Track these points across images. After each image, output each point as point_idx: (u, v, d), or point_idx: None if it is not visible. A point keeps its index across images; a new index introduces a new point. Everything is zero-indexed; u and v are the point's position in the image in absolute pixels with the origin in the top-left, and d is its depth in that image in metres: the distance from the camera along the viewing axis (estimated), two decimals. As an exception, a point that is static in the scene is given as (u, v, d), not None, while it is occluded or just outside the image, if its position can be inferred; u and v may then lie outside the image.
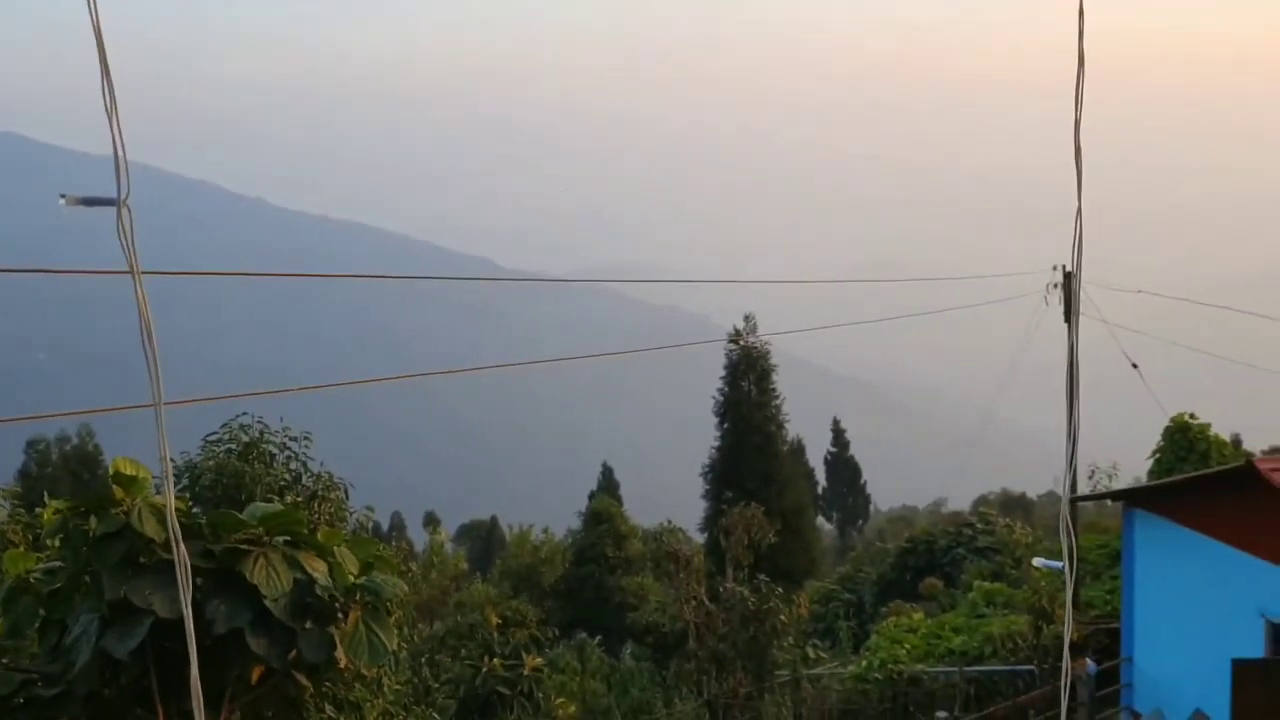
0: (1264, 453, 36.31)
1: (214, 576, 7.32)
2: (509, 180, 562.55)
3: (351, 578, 7.95)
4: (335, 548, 8.03)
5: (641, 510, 49.82)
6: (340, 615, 7.80)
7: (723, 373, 36.74)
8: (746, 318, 36.77)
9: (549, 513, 53.48)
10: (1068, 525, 3.19)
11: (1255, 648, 15.76)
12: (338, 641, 7.66)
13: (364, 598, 7.99)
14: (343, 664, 7.86)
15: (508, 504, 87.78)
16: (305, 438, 16.63)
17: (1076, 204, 2.98)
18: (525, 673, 18.50)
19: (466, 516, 70.87)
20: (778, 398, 37.12)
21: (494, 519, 63.62)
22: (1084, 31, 2.50)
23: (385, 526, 72.56)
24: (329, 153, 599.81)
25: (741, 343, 36.14)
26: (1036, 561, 26.04)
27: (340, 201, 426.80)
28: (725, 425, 36.64)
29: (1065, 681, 3.47)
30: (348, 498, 16.67)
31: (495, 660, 18.72)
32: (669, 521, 32.30)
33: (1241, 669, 15.03)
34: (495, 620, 20.84)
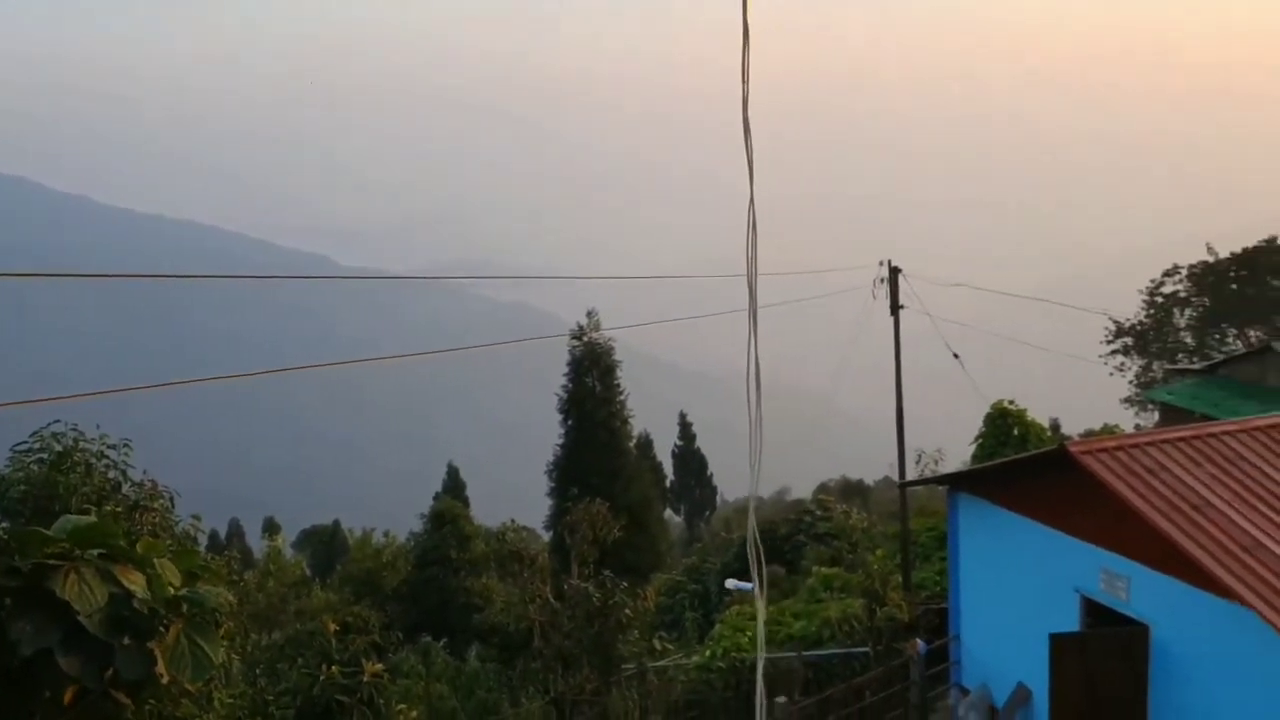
0: (1079, 436, 38.50)
1: (22, 595, 6.98)
2: (349, 177, 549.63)
3: (173, 590, 7.67)
4: (155, 559, 7.74)
5: (488, 510, 49.44)
6: (161, 629, 7.52)
7: (566, 369, 36.78)
8: (589, 314, 36.91)
9: (393, 516, 52.55)
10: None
11: (1071, 622, 16.65)
12: (158, 656, 7.38)
13: (187, 610, 7.73)
14: (165, 680, 7.58)
15: (351, 508, 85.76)
16: (125, 445, 15.88)
17: (749, 190, 3.07)
18: (365, 679, 18.12)
19: (308, 522, 69.00)
20: (622, 393, 37.38)
21: (336, 523, 62.11)
22: (748, 5, 2.54)
23: (223, 535, 69.98)
24: (163, 151, 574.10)
25: (585, 339, 36.25)
26: (729, 583, 26.97)
27: (174, 199, 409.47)
28: (570, 422, 36.70)
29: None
30: (173, 506, 16.00)
31: (334, 668, 18.28)
32: (513, 521, 32.20)
33: (1059, 642, 15.88)
34: (334, 627, 20.34)
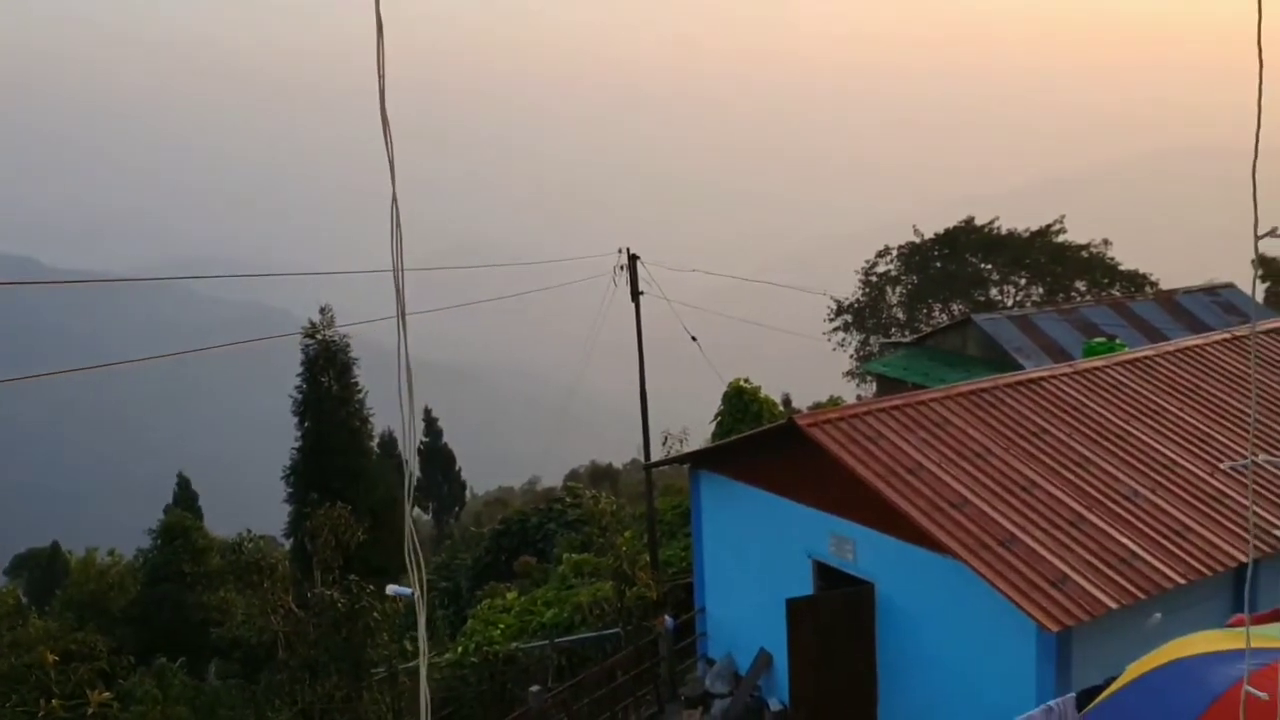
0: (808, 409, 40.55)
1: None
2: (57, 176, 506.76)
3: None
4: None
5: (223, 521, 46.97)
6: None
7: (300, 369, 35.36)
8: (323, 310, 35.60)
9: (121, 533, 49.10)
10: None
11: (805, 586, 17.52)
12: None
13: None
14: None
15: (72, 528, 79.50)
16: None
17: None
18: (90, 711, 16.84)
19: (22, 546, 63.40)
20: (361, 391, 36.30)
21: (55, 545, 57.40)
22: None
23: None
24: None
25: (319, 336, 34.95)
26: (390, 589, 27.30)
27: None
28: (306, 424, 35.29)
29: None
30: None
31: (54, 702, 16.89)
32: (249, 530, 30.68)
33: (794, 606, 16.68)
34: (53, 658, 18.78)
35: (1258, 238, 2.05)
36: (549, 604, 24.57)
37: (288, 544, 36.86)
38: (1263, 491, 16.12)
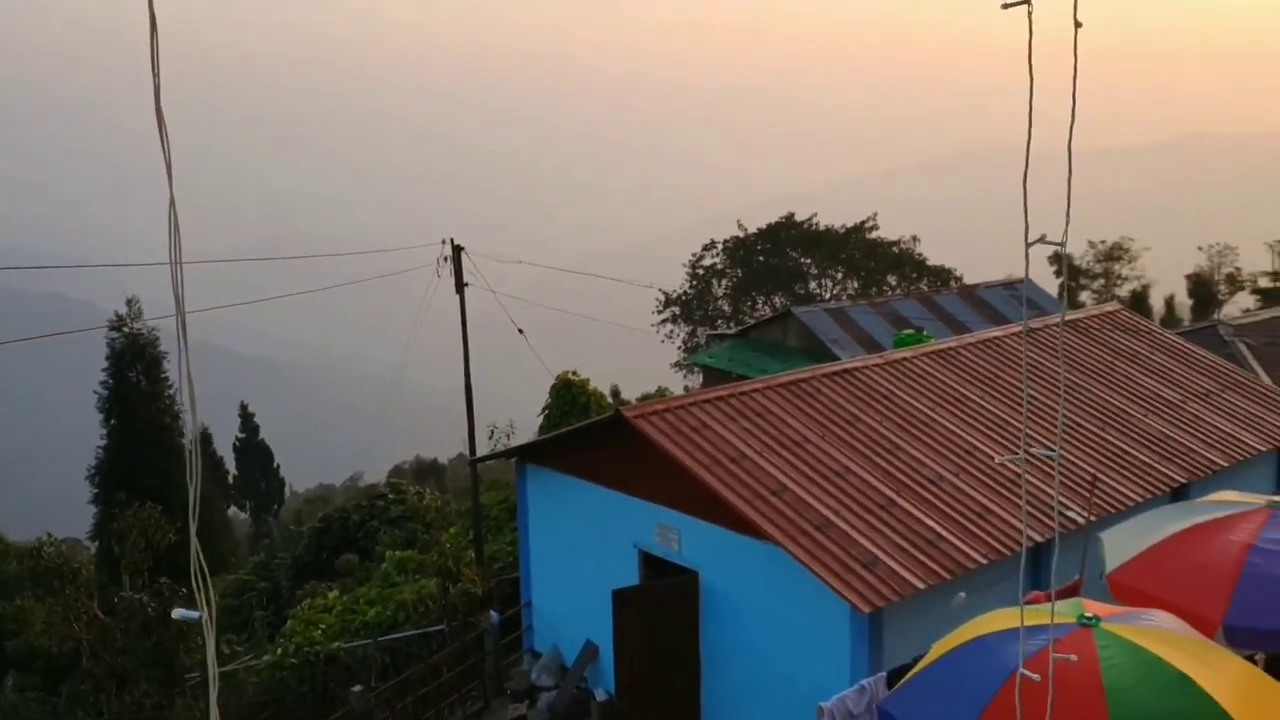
0: (636, 400, 41.00)
1: None
2: None
3: None
4: None
5: (21, 524, 44.18)
6: None
7: (105, 364, 33.60)
8: (129, 302, 33.93)
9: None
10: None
11: (631, 576, 17.70)
12: None
13: None
14: None
15: None
16: None
17: None
18: None
19: None
20: (171, 386, 34.75)
21: None
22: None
23: None
24: None
25: (125, 330, 33.28)
26: (175, 613, 26.91)
27: None
28: (113, 421, 33.58)
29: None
30: None
31: None
32: (50, 534, 28.98)
33: (619, 596, 16.84)
34: None
35: (1028, 244, 2.20)
36: (371, 602, 24.07)
37: (93, 547, 35.00)
38: (1035, 479, 17.16)
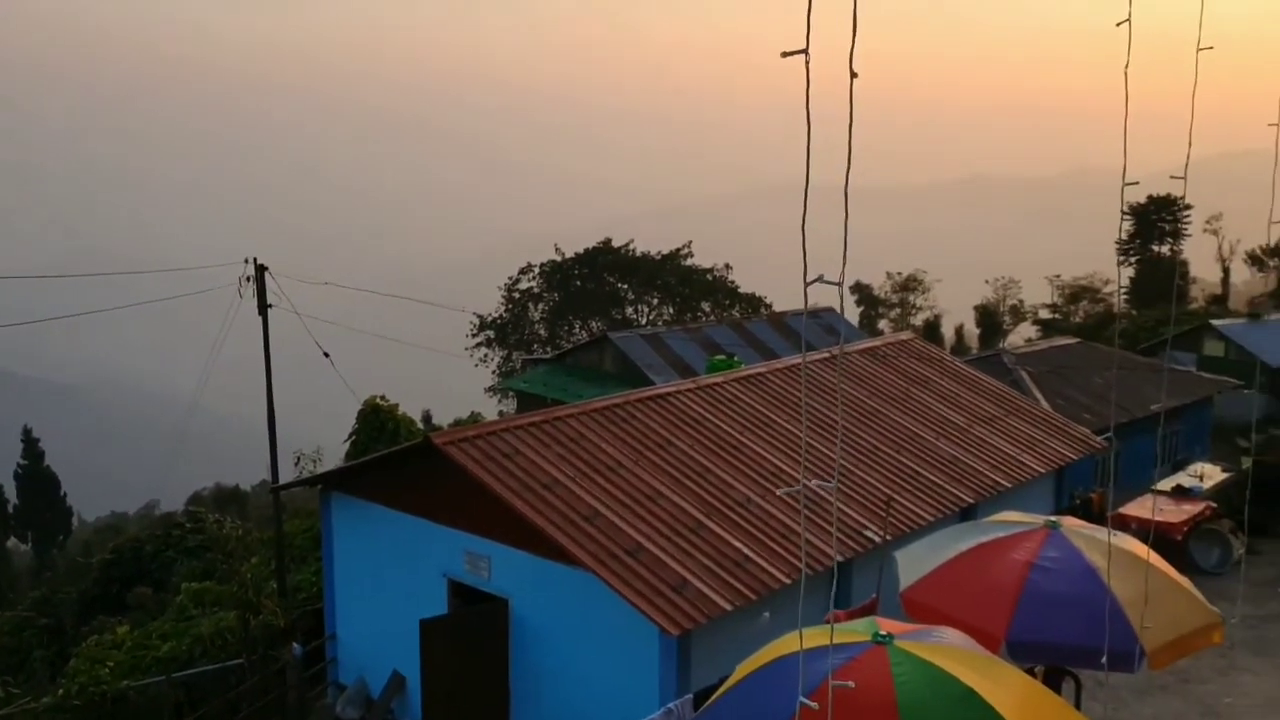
0: (449, 426, 40.43)
1: None
2: None
3: None
4: None
5: None
6: None
7: None
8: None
9: None
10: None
11: (440, 606, 17.39)
12: None
13: None
14: None
15: None
16: None
17: None
18: None
19: None
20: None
21: None
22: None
23: None
24: None
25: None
26: None
27: None
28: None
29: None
30: None
31: None
32: None
33: (427, 626, 16.51)
34: None
35: (806, 284, 2.28)
36: (165, 637, 22.86)
37: None
38: (831, 501, 17.83)
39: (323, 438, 35.84)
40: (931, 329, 61.16)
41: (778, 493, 16.93)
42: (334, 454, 33.07)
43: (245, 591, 21.87)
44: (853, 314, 59.62)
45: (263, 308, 25.68)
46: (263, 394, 25.76)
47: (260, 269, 25.62)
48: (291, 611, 22.81)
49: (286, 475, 26.21)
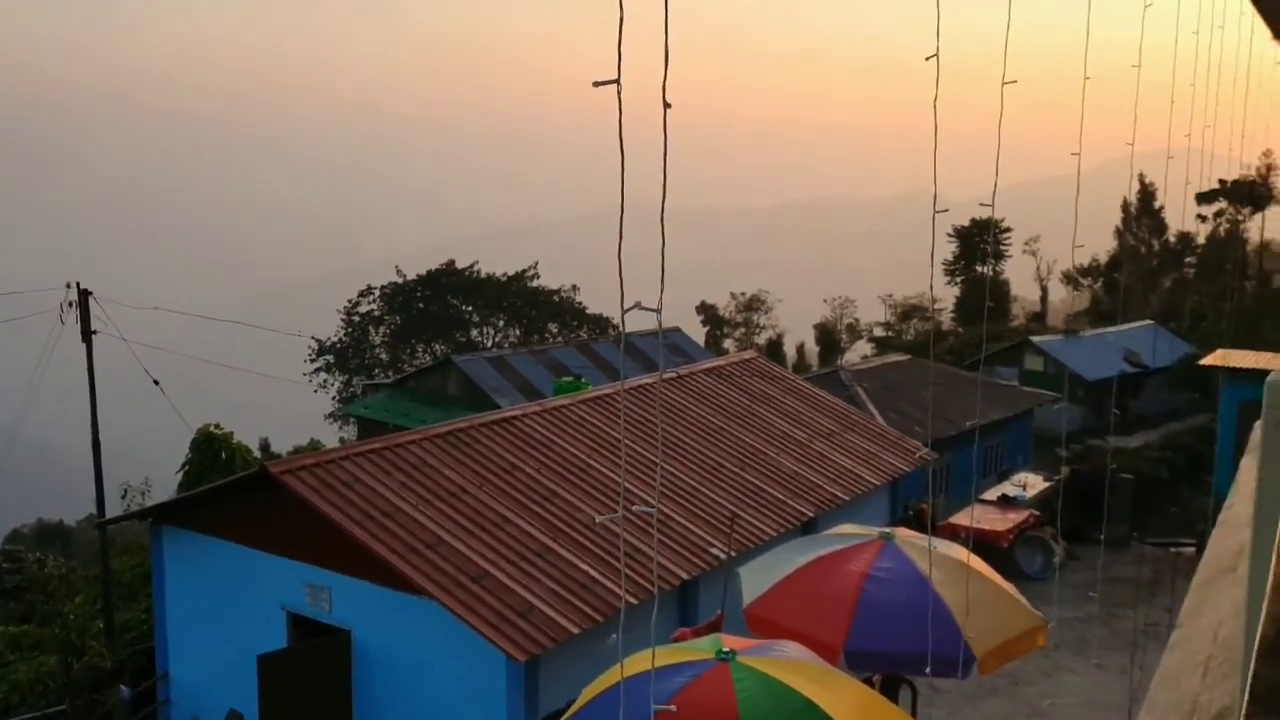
0: (288, 454, 39.25)
1: None
2: None
3: None
4: None
5: None
6: None
7: None
8: None
9: None
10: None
11: (280, 639, 16.83)
12: None
13: None
14: None
15: None
16: None
17: None
18: None
19: None
20: None
21: None
22: None
23: None
24: None
25: None
26: None
27: None
28: None
29: None
30: None
31: None
32: None
33: (266, 661, 15.95)
34: None
35: (624, 310, 2.31)
36: (-23, 687, 21.43)
37: None
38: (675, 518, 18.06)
39: (154, 469, 34.35)
40: (774, 347, 62.55)
41: (597, 520, 16.79)
42: (166, 485, 31.70)
43: (68, 633, 20.71)
44: (698, 334, 60.48)
45: (86, 334, 24.51)
46: (87, 423, 24.54)
47: (84, 294, 24.46)
48: (119, 652, 21.70)
49: (114, 509, 25.02)
